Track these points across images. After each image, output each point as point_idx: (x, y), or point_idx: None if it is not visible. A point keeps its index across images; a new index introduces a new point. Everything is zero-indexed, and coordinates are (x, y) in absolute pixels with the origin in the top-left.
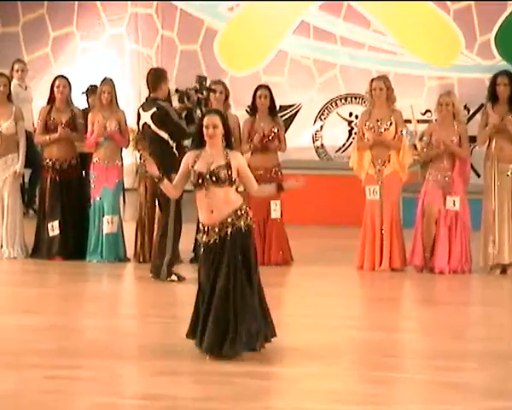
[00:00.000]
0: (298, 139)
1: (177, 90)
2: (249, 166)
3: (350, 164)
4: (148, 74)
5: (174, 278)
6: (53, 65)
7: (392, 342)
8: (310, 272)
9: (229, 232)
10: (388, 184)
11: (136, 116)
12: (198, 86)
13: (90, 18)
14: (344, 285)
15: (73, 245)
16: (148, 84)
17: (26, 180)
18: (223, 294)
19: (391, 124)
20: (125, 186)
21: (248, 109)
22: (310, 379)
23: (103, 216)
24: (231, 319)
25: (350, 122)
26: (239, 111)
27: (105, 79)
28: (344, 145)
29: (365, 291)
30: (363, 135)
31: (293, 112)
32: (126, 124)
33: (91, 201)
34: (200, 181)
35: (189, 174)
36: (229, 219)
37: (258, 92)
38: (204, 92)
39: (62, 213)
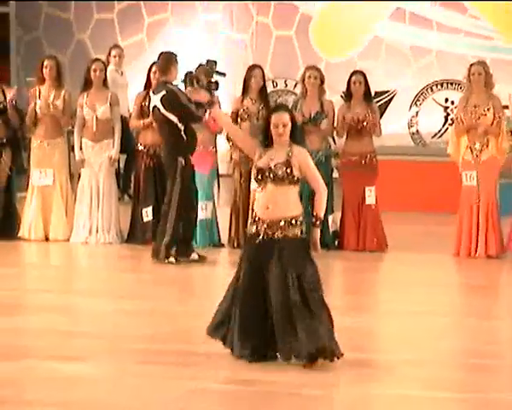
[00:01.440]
0: (393, 125)
1: (186, 74)
2: (344, 151)
3: (448, 150)
4: (158, 58)
5: (172, 260)
6: (147, 51)
7: (488, 329)
8: (405, 258)
9: (276, 236)
10: (486, 170)
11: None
12: (208, 70)
13: (184, 4)
14: (440, 272)
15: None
16: (158, 68)
17: (122, 166)
18: (282, 307)
19: (489, 109)
20: (220, 172)
21: (343, 95)
22: (405, 366)
23: (197, 202)
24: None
25: (446, 108)
26: (334, 97)
27: (200, 65)
28: (440, 131)
29: (461, 278)
30: (462, 121)
31: (388, 98)
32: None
33: None
34: (259, 177)
35: (253, 146)
36: (282, 223)
37: (353, 78)
38: (214, 76)
39: (156, 198)
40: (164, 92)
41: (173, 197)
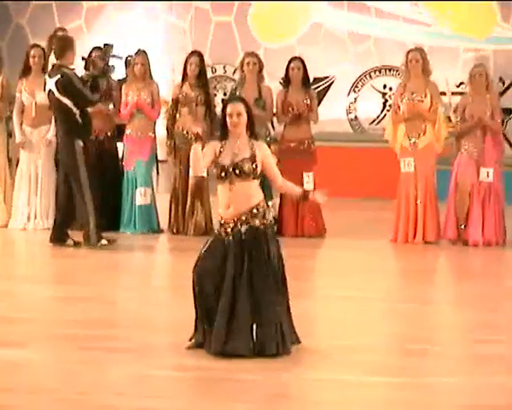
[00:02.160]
0: (332, 111)
1: (82, 58)
2: (283, 137)
3: (385, 136)
4: (55, 42)
5: (104, 242)
6: (86, 36)
7: (426, 314)
8: (343, 244)
9: (243, 230)
10: (423, 157)
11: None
12: (104, 54)
13: None
14: (378, 258)
15: (107, 217)
16: (54, 52)
17: None
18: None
19: (426, 96)
20: (159, 158)
21: (282, 81)
22: (343, 351)
23: (136, 188)
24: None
25: (384, 94)
26: (273, 83)
27: (138, 50)
28: (378, 117)
29: (399, 264)
30: (399, 107)
31: (326, 84)
32: (159, 95)
33: (124, 172)
34: (223, 174)
35: (210, 153)
36: (244, 217)
37: (292, 64)
38: (110, 60)
39: (98, 184)
40: (58, 76)
41: (82, 182)
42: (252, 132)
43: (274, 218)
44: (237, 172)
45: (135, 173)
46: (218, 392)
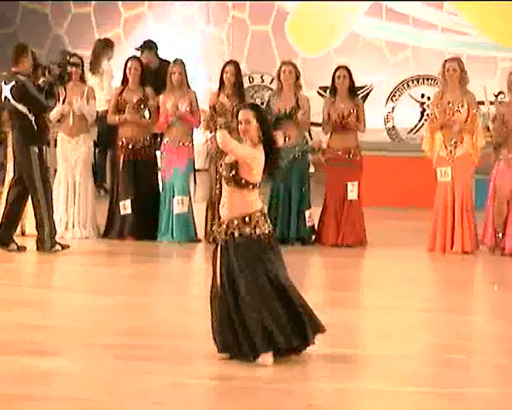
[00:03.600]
0: (369, 121)
1: (38, 65)
2: (328, 146)
3: (422, 146)
4: (11, 49)
5: (58, 247)
6: (124, 45)
7: (464, 324)
8: (382, 253)
9: (236, 235)
10: (460, 166)
11: None
12: (60, 60)
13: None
14: (416, 267)
15: (145, 225)
16: (10, 59)
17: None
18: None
19: (463, 105)
20: (196, 167)
21: (320, 90)
22: (382, 361)
23: (174, 197)
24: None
25: (422, 104)
26: (310, 92)
27: (175, 59)
28: (416, 127)
29: (437, 274)
30: (436, 117)
31: (364, 93)
32: (198, 104)
33: (162, 181)
34: (223, 173)
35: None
36: (235, 222)
37: (337, 73)
38: (67, 67)
39: (135, 193)
40: (13, 83)
41: (37, 187)
42: (266, 142)
43: (311, 227)
44: (224, 174)
45: (172, 182)
46: (254, 402)
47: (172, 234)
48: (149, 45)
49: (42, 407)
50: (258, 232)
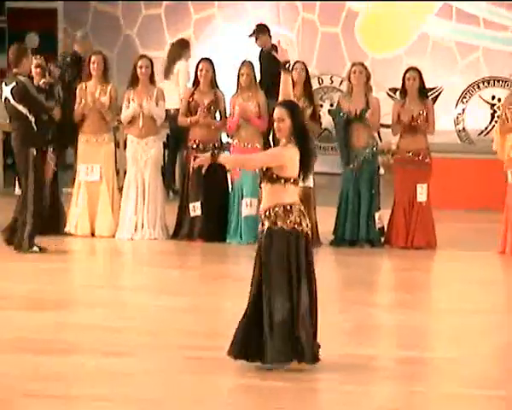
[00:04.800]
0: (439, 122)
1: (39, 66)
2: (398, 147)
3: (493, 147)
4: (11, 50)
5: (36, 249)
6: (195, 47)
7: None
8: (452, 255)
9: (265, 227)
10: None
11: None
12: (61, 62)
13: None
14: (487, 270)
15: (214, 227)
16: (11, 61)
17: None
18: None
19: None
20: None
21: (390, 92)
22: (450, 364)
23: (242, 198)
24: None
25: (492, 105)
26: (380, 94)
27: (244, 61)
28: (486, 129)
29: (508, 276)
30: (507, 118)
31: (434, 95)
32: (266, 106)
33: (231, 183)
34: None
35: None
36: (267, 213)
37: (408, 74)
38: (68, 69)
39: (204, 195)
40: (14, 84)
41: (29, 188)
42: (298, 140)
43: (381, 228)
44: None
45: (241, 184)
46: (328, 403)
47: (241, 236)
48: (262, 29)
49: (112, 408)
50: (289, 226)
